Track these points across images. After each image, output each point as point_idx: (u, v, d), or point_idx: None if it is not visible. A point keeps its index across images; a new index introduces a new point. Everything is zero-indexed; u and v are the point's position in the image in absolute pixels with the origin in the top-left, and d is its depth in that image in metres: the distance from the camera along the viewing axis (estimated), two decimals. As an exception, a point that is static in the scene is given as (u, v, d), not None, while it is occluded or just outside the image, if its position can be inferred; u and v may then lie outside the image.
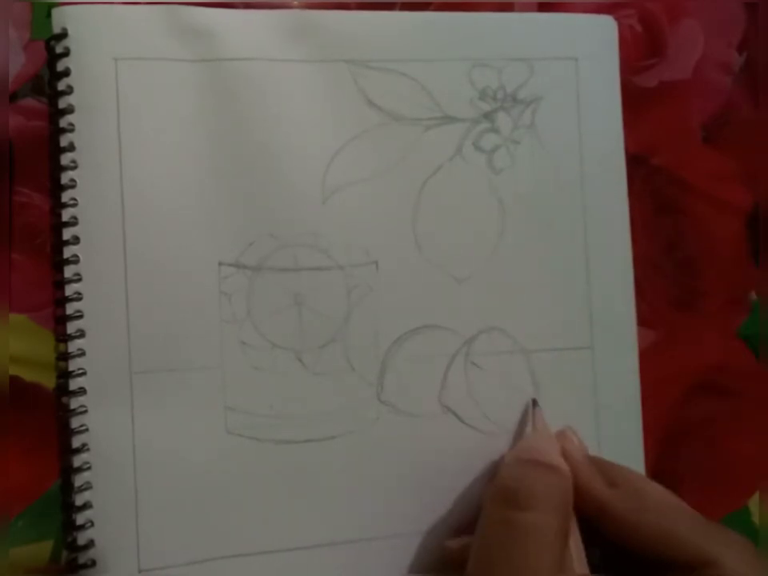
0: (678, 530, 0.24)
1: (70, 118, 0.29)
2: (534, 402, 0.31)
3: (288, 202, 0.30)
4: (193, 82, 0.30)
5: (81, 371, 0.28)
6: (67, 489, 0.28)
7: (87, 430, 0.28)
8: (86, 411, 0.28)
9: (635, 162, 0.34)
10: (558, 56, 0.33)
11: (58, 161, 0.29)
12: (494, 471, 0.30)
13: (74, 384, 0.28)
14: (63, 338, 0.28)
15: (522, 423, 0.31)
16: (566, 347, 0.32)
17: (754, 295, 0.35)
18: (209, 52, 0.30)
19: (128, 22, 0.29)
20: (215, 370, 0.29)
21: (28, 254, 0.29)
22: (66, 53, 0.29)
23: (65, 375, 0.28)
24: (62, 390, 0.28)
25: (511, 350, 0.32)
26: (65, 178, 0.29)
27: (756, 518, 0.33)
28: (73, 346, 0.28)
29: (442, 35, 0.32)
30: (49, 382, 0.29)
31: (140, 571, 0.28)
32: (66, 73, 0.29)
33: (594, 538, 0.26)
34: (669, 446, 0.33)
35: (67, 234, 0.28)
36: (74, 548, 0.28)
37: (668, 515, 0.25)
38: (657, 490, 0.27)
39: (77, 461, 0.28)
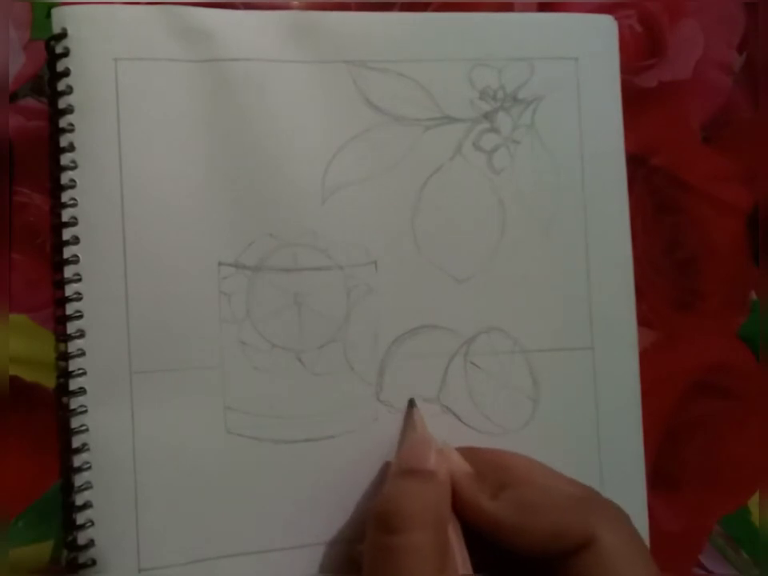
0: (561, 521, 0.25)
1: (69, 118, 0.29)
2: (411, 403, 0.30)
3: (287, 201, 0.30)
4: (193, 82, 0.30)
5: (81, 371, 0.28)
6: (67, 489, 0.28)
7: (87, 430, 0.28)
8: (86, 411, 0.28)
9: (635, 162, 0.34)
10: (559, 56, 0.33)
11: (58, 161, 0.29)
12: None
13: (73, 384, 0.28)
14: (63, 337, 0.28)
15: (522, 423, 0.31)
16: (566, 347, 0.32)
17: (754, 295, 0.35)
18: (209, 52, 0.30)
19: (128, 22, 0.29)
20: (215, 369, 0.29)
21: (28, 254, 0.29)
22: (66, 53, 0.29)
23: (65, 375, 0.28)
24: (62, 390, 0.28)
25: (511, 350, 0.32)
26: (65, 178, 0.29)
27: (756, 518, 0.33)
28: (73, 346, 0.28)
29: (442, 35, 0.32)
30: (49, 382, 0.29)
31: (140, 570, 0.28)
32: (66, 73, 0.29)
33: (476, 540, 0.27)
34: (669, 445, 0.33)
35: (67, 234, 0.28)
36: (74, 548, 0.28)
37: (550, 507, 0.26)
38: (533, 475, 0.27)
39: (77, 461, 0.28)
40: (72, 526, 0.28)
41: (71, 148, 0.29)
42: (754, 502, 0.34)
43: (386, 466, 0.30)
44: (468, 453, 0.29)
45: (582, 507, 0.26)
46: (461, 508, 0.27)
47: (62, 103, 0.29)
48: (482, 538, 0.26)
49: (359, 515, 0.30)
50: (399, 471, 0.27)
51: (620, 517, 0.26)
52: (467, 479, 0.27)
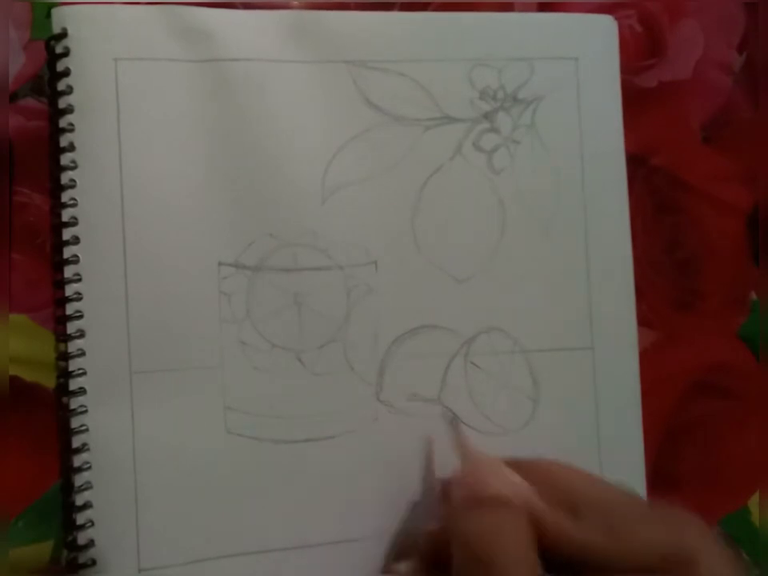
0: (652, 539, 0.23)
1: (70, 117, 0.29)
2: (453, 419, 0.29)
3: (287, 202, 0.30)
4: (193, 82, 0.30)
5: (81, 371, 0.28)
6: (67, 489, 0.28)
7: (87, 429, 0.28)
8: (86, 411, 0.28)
9: (635, 162, 0.34)
10: (559, 56, 0.33)
11: (58, 161, 0.29)
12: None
13: (74, 384, 0.28)
14: (63, 337, 0.28)
15: (522, 423, 0.31)
16: (566, 347, 0.32)
17: (754, 295, 0.35)
18: (209, 52, 0.30)
19: (128, 22, 0.29)
20: (215, 369, 0.29)
21: (28, 254, 0.29)
22: (66, 53, 0.29)
23: (65, 375, 0.28)
24: (62, 390, 0.28)
25: (511, 351, 0.32)
26: (65, 178, 0.29)
27: (756, 518, 0.33)
28: (73, 346, 0.28)
29: (442, 35, 0.32)
30: (49, 382, 0.29)
31: (140, 570, 0.28)
32: (66, 73, 0.29)
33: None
34: (669, 445, 0.33)
35: (67, 234, 0.28)
36: (74, 548, 0.28)
37: (636, 522, 0.24)
38: (579, 486, 0.25)
39: (77, 461, 0.28)
40: (72, 526, 0.28)
41: (71, 148, 0.29)
42: (753, 502, 0.34)
43: (444, 490, 0.28)
44: (513, 467, 0.26)
45: (675, 521, 0.24)
46: (541, 537, 0.24)
47: (62, 103, 0.29)
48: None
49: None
50: (465, 505, 0.25)
51: (711, 534, 0.24)
52: (541, 505, 0.24)
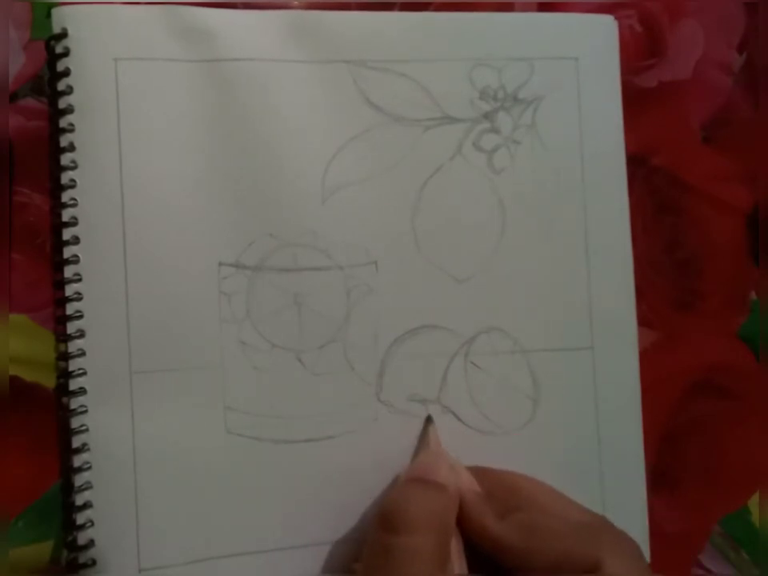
0: (567, 547, 0.25)
1: (70, 117, 0.29)
2: (429, 419, 0.30)
3: (288, 201, 0.30)
4: (193, 82, 0.30)
5: (81, 371, 0.28)
6: (67, 489, 0.28)
7: (87, 429, 0.28)
8: (86, 411, 0.28)
9: (635, 162, 0.34)
10: (559, 56, 0.33)
11: (58, 161, 0.29)
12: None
13: (74, 384, 0.28)
14: (63, 337, 0.28)
15: (522, 423, 0.31)
16: (566, 347, 0.32)
17: (753, 295, 0.35)
18: (209, 52, 0.30)
19: (128, 22, 0.29)
20: (215, 370, 0.29)
21: (28, 254, 0.29)
22: (66, 53, 0.29)
23: (65, 375, 0.28)
24: (62, 390, 0.28)
25: (511, 350, 0.32)
26: (65, 178, 0.29)
27: (756, 518, 0.33)
28: (73, 346, 0.28)
29: (442, 35, 0.32)
30: (49, 382, 0.29)
31: (140, 571, 0.28)
32: (66, 73, 0.29)
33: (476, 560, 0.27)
34: (669, 445, 0.33)
35: (67, 234, 0.28)
36: (74, 548, 0.28)
37: (557, 532, 0.26)
38: (542, 499, 0.27)
39: (77, 461, 0.28)
40: (72, 526, 0.28)
41: (71, 148, 0.29)
42: (753, 502, 0.34)
43: (396, 478, 0.30)
44: (478, 472, 0.29)
45: (589, 534, 0.25)
46: (466, 527, 0.27)
47: (62, 103, 0.29)
48: (483, 559, 0.27)
49: (359, 515, 0.30)
50: (409, 479, 0.27)
51: (627, 545, 0.25)
52: (475, 498, 0.27)
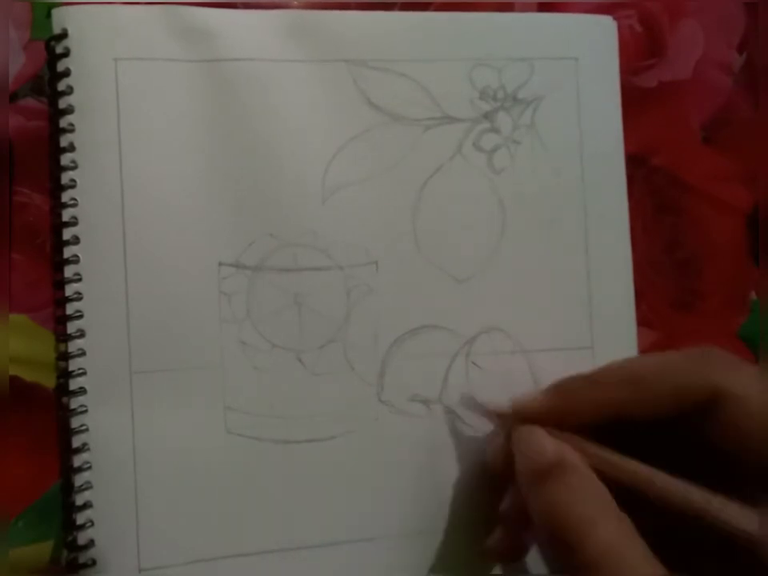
0: (673, 382, 0.24)
1: (70, 118, 0.29)
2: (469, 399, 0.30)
3: (288, 201, 0.30)
4: (193, 82, 0.30)
5: (81, 371, 0.28)
6: (67, 489, 0.28)
7: (87, 429, 0.28)
8: (86, 411, 0.28)
9: (635, 162, 0.34)
10: (558, 56, 0.33)
11: (58, 161, 0.29)
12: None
13: (73, 384, 0.28)
14: (63, 337, 0.28)
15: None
16: (566, 347, 0.32)
17: (753, 295, 0.35)
18: (209, 52, 0.30)
19: (128, 22, 0.29)
20: (215, 370, 0.29)
21: (28, 254, 0.29)
22: (66, 53, 0.29)
23: (65, 375, 0.28)
24: (62, 390, 0.28)
25: (511, 350, 0.32)
26: (65, 178, 0.29)
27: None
28: (73, 346, 0.28)
29: (442, 35, 0.32)
30: (49, 382, 0.29)
31: (140, 571, 0.28)
32: (66, 73, 0.29)
33: None
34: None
35: (67, 233, 0.28)
36: (74, 548, 0.28)
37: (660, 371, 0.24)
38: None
39: (77, 461, 0.28)
40: (72, 526, 0.28)
41: (71, 148, 0.29)
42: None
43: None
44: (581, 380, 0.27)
45: (694, 361, 0.24)
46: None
47: (62, 103, 0.29)
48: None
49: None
50: (536, 473, 0.25)
51: (741, 364, 0.24)
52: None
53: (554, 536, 0.23)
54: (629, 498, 0.24)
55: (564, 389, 0.26)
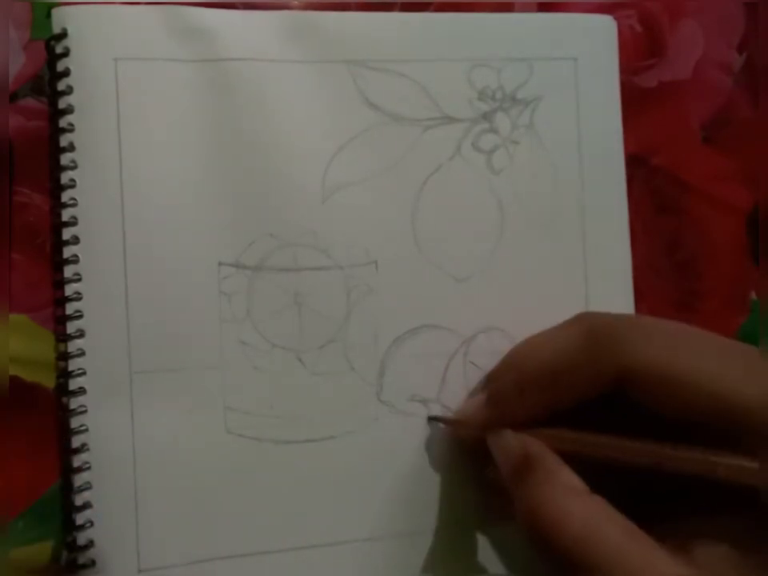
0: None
1: (69, 118, 0.29)
2: (431, 419, 0.30)
3: (288, 201, 0.30)
4: (193, 82, 0.30)
5: (81, 371, 0.28)
6: (67, 489, 0.28)
7: (87, 430, 0.28)
8: (85, 411, 0.28)
9: (635, 162, 0.34)
10: (558, 56, 0.33)
11: (58, 161, 0.29)
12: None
13: (73, 384, 0.28)
14: (63, 337, 0.28)
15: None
16: (566, 347, 0.32)
17: (753, 295, 0.35)
18: (209, 52, 0.30)
19: (128, 22, 0.29)
20: (215, 370, 0.29)
21: (28, 253, 0.29)
22: (66, 53, 0.29)
23: (65, 375, 0.28)
24: (62, 390, 0.28)
25: (511, 350, 0.32)
26: (65, 178, 0.29)
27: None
28: (73, 346, 0.28)
29: (442, 35, 0.32)
30: (49, 381, 0.29)
31: (140, 571, 0.28)
32: (66, 73, 0.29)
33: None
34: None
35: (67, 234, 0.28)
36: (74, 548, 0.28)
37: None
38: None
39: (77, 461, 0.28)
40: (72, 527, 0.28)
41: (71, 148, 0.29)
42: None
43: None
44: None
45: (595, 343, 0.25)
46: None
47: (62, 103, 0.29)
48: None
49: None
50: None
51: (634, 332, 0.24)
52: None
53: (532, 534, 0.24)
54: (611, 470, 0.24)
55: (494, 400, 0.28)
